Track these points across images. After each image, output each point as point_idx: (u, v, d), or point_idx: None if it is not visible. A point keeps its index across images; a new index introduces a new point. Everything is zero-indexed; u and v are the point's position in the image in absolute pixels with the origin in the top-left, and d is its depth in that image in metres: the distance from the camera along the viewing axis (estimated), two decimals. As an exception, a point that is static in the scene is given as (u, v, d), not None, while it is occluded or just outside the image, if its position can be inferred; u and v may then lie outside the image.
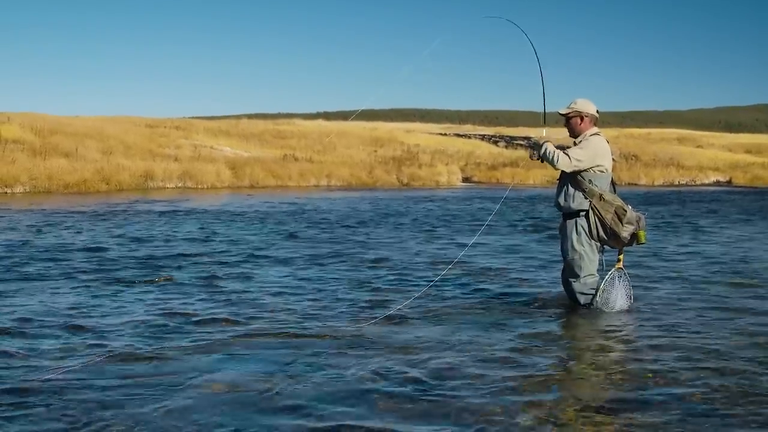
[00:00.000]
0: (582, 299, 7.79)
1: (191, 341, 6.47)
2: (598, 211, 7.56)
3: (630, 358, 6.13)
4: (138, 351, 6.12)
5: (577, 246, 7.68)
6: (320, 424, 4.64)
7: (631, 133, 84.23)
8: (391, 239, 14.56)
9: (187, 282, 9.38)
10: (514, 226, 17.64)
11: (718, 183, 51.41)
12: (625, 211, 7.54)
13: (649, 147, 64.29)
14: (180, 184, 32.52)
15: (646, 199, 29.97)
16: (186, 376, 5.48)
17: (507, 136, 68.27)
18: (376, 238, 14.65)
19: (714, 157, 60.84)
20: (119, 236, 14.21)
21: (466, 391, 5.26)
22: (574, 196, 7.67)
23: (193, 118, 67.04)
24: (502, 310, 7.95)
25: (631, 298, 7.91)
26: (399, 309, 7.65)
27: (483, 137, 68.45)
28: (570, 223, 7.73)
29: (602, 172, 7.66)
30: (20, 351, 6.06)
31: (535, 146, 7.89)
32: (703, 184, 49.80)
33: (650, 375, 5.61)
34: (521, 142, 57.76)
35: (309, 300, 8.34)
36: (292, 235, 14.95)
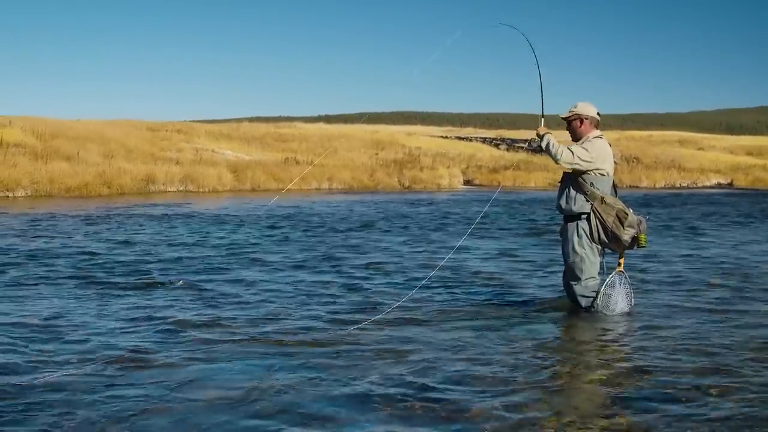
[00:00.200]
0: (583, 302, 7.79)
1: (177, 347, 6.40)
2: (600, 214, 7.56)
3: (627, 363, 6.12)
4: (123, 357, 6.06)
5: (578, 249, 7.68)
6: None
7: (633, 136, 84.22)
8: (384, 243, 14.47)
9: (174, 287, 9.28)
10: (510, 229, 17.62)
11: (719, 185, 51.41)
12: (627, 214, 7.54)
13: (651, 149, 64.28)
14: (181, 188, 32.53)
15: (645, 202, 29.97)
16: (173, 383, 5.42)
17: (508, 139, 68.30)
18: (369, 242, 14.56)
19: (715, 160, 60.85)
20: (109, 240, 14.10)
21: (456, 395, 5.25)
22: (575, 198, 7.67)
23: (194, 121, 67.02)
24: (497, 313, 7.91)
25: (631, 301, 7.91)
26: (387, 312, 7.61)
27: (484, 140, 68.51)
28: (571, 225, 7.73)
29: (603, 175, 7.66)
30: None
31: (536, 137, 7.87)
32: (704, 187, 49.81)
33: (647, 379, 5.61)
34: (522, 145, 57.67)
35: (296, 305, 8.25)
36: (285, 239, 14.85)
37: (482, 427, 4.65)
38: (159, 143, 41.79)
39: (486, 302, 8.55)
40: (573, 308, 7.92)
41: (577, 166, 7.61)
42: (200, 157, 39.10)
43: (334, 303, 8.40)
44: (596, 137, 7.77)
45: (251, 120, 78.28)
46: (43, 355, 6.13)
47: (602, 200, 7.58)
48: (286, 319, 7.54)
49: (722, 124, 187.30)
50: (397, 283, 9.68)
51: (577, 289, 7.78)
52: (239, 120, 72.09)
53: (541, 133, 7.81)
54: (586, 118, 7.82)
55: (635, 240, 7.64)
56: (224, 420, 4.76)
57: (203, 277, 10.06)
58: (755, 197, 36.10)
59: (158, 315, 7.65)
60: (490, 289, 9.37)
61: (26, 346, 6.36)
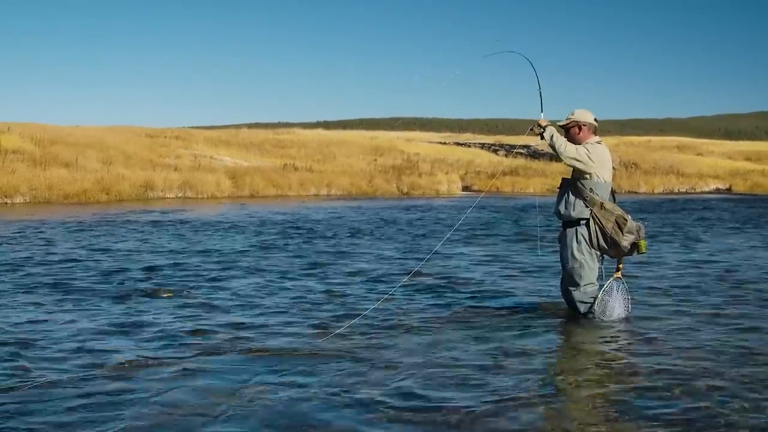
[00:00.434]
0: (582, 308, 7.78)
1: (153, 358, 6.30)
2: (599, 219, 7.56)
3: (623, 369, 6.12)
4: (97, 367, 5.98)
5: (577, 254, 7.67)
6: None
7: (631, 141, 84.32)
8: (373, 250, 14.35)
9: (155, 295, 9.21)
10: (501, 236, 17.54)
11: (718, 190, 51.44)
12: (626, 220, 7.54)
13: (649, 155, 64.33)
14: (180, 194, 32.54)
15: (643, 207, 29.96)
16: (149, 395, 5.34)
17: (507, 145, 68.31)
18: (358, 249, 14.44)
19: (714, 165, 60.91)
20: (94, 248, 13.96)
21: (446, 402, 5.23)
22: (574, 204, 7.67)
23: (193, 127, 67.17)
24: (488, 320, 7.87)
25: (628, 308, 7.90)
26: (355, 321, 7.50)
27: (483, 146, 68.50)
28: (570, 231, 7.73)
29: (602, 182, 7.66)
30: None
31: (539, 127, 7.83)
32: (703, 192, 49.83)
33: (644, 385, 5.61)
34: (521, 151, 57.77)
35: (275, 313, 8.19)
36: (273, 246, 14.71)
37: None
38: (158, 149, 41.77)
39: (476, 309, 8.51)
40: (570, 314, 7.92)
41: (578, 164, 7.59)
42: (199, 163, 39.09)
43: (315, 311, 8.29)
44: (597, 143, 7.77)
45: (250, 126, 78.47)
46: (13, 366, 6.02)
47: (601, 206, 7.58)
48: (267, 327, 7.44)
49: (721, 130, 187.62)
50: (378, 292, 9.48)
51: (576, 295, 7.78)
52: (238, 126, 72.27)
53: (543, 124, 7.79)
54: (584, 125, 7.82)
55: (634, 246, 7.63)
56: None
57: (186, 285, 9.94)
58: (753, 202, 36.10)
59: (136, 324, 7.55)
60: (480, 296, 9.32)
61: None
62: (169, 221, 20.57)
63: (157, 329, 7.33)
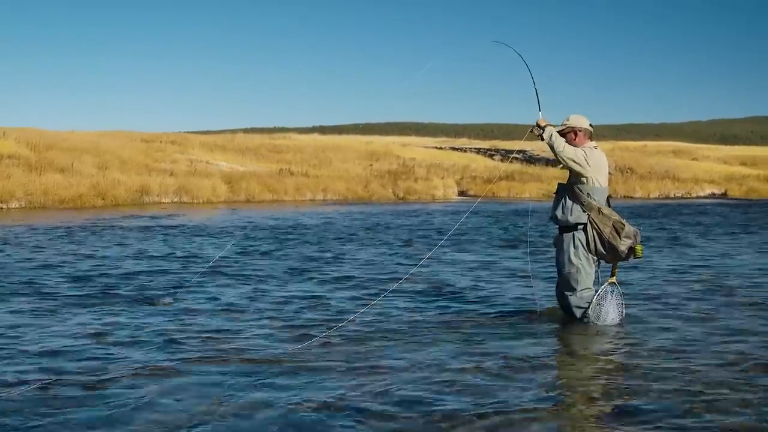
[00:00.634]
0: (578, 313, 7.77)
1: (128, 366, 6.14)
2: (597, 224, 7.56)
3: (618, 375, 6.11)
4: (75, 375, 5.85)
5: (574, 259, 7.67)
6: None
7: (627, 146, 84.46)
8: (361, 256, 14.15)
9: (135, 302, 9.01)
10: (491, 241, 17.45)
11: (713, 195, 51.53)
12: (623, 225, 7.55)
13: (645, 160, 64.49)
14: (176, 199, 32.53)
15: (638, 212, 29.97)
16: (123, 405, 5.20)
17: (503, 150, 68.42)
18: (346, 254, 14.28)
19: (709, 170, 61.07)
20: (74, 253, 13.78)
21: (435, 408, 5.20)
22: (572, 209, 7.66)
23: (188, 132, 67.00)
24: (471, 326, 7.78)
25: (623, 313, 7.89)
26: (338, 327, 7.40)
27: (479, 151, 68.65)
28: (567, 236, 7.73)
29: (599, 186, 7.67)
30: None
31: (538, 127, 7.82)
32: (698, 197, 49.91)
33: (640, 391, 5.60)
34: (517, 156, 57.85)
35: (255, 320, 8.03)
36: (259, 252, 14.53)
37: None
38: (153, 154, 41.79)
39: (466, 314, 8.44)
40: (564, 319, 7.91)
41: (576, 165, 7.58)
42: (195, 168, 39.11)
43: (295, 318, 8.15)
44: (594, 147, 7.78)
45: (246, 131, 78.30)
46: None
47: (599, 211, 7.58)
48: (246, 335, 7.29)
49: (716, 135, 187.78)
50: (364, 297, 9.38)
51: (572, 300, 7.77)
52: (234, 131, 72.08)
53: (542, 124, 7.79)
54: (580, 131, 7.82)
55: (631, 251, 7.63)
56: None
57: (166, 291, 9.75)
58: (748, 207, 36.15)
59: (109, 332, 7.37)
60: (470, 301, 9.25)
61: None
62: (158, 226, 20.49)
63: (133, 337, 7.17)
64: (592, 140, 7.90)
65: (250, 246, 15.66)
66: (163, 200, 32.09)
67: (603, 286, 7.76)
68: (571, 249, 7.67)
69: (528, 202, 37.87)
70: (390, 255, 14.36)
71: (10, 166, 30.60)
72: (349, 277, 11.19)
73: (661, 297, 9.59)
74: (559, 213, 7.77)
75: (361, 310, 8.13)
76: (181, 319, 8.01)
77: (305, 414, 5.07)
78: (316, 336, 7.09)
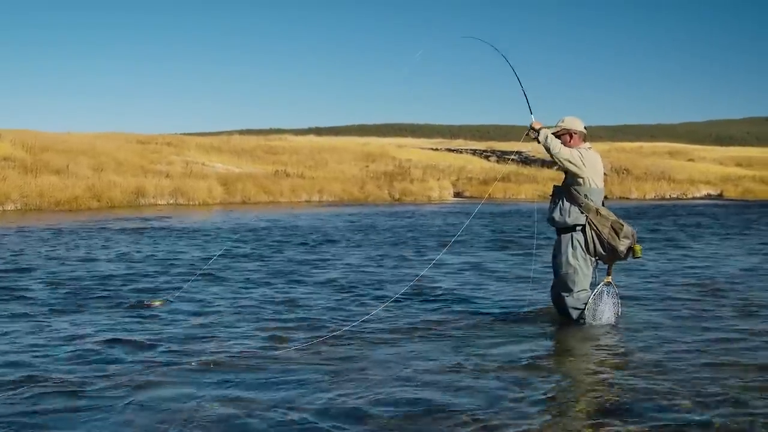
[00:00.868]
0: (574, 314, 7.78)
1: (105, 371, 6.03)
2: (596, 225, 7.57)
3: (614, 376, 6.12)
4: (46, 381, 5.74)
5: (572, 260, 7.68)
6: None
7: (623, 147, 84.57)
8: (349, 258, 13.90)
9: (114, 305, 8.86)
10: (483, 242, 17.32)
11: (709, 196, 51.59)
12: (622, 225, 7.57)
13: (641, 161, 64.57)
14: (172, 201, 32.50)
15: (632, 213, 29.99)
16: (93, 410, 5.12)
17: (498, 151, 68.43)
18: (334, 257, 14.04)
19: (705, 171, 61.15)
20: (52, 256, 13.54)
21: (425, 413, 5.18)
22: (569, 211, 7.67)
23: (184, 134, 67.04)
24: (462, 329, 7.72)
25: (618, 312, 7.92)
26: (351, 326, 7.38)
27: (474, 152, 68.64)
28: (565, 237, 7.73)
29: (596, 188, 7.68)
30: None
31: (532, 130, 7.83)
32: (694, 198, 49.97)
33: (633, 392, 5.61)
34: (513, 157, 57.86)
35: (234, 323, 7.88)
36: (245, 254, 14.32)
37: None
38: (149, 156, 41.75)
39: (458, 317, 8.37)
40: (558, 320, 7.92)
41: (572, 166, 7.59)
42: (190, 169, 39.08)
43: (275, 321, 8.00)
44: (588, 149, 7.79)
45: (241, 132, 78.19)
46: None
47: (597, 212, 7.59)
48: (223, 339, 7.17)
49: (712, 136, 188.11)
50: (344, 303, 9.22)
51: (569, 301, 7.77)
52: (230, 132, 71.96)
53: (537, 127, 7.80)
54: (575, 133, 7.83)
55: (630, 251, 7.65)
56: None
57: (148, 294, 9.59)
58: (744, 208, 36.20)
59: (82, 336, 7.23)
60: (460, 304, 9.18)
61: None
62: (148, 228, 20.36)
63: (106, 341, 7.01)
64: (586, 142, 7.92)
65: (238, 248, 15.47)
66: (159, 202, 32.06)
67: (599, 286, 7.77)
68: (569, 250, 7.68)
69: (524, 203, 37.93)
70: (377, 258, 14.08)
71: (5, 168, 30.54)
72: (331, 281, 10.94)
73: (655, 298, 9.59)
74: (557, 215, 7.77)
75: (369, 315, 8.01)
76: (158, 323, 7.86)
77: (289, 418, 5.02)
78: (297, 342, 6.98)
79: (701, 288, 10.47)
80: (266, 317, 8.23)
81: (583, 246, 7.64)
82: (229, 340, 7.12)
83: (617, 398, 5.43)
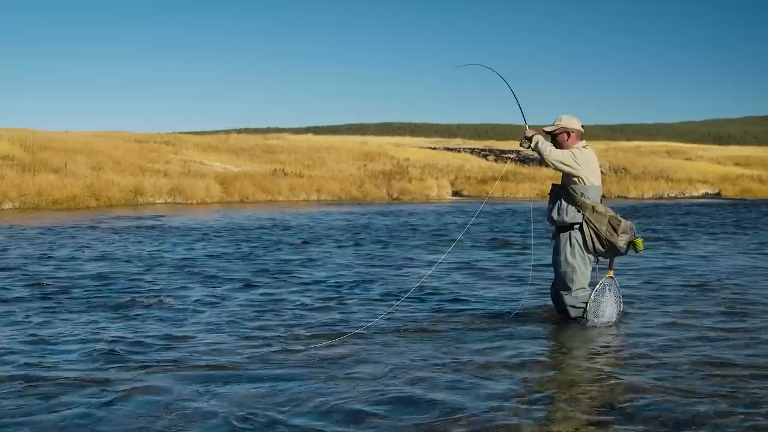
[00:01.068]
0: (573, 312, 7.79)
1: (101, 370, 5.99)
2: (593, 223, 7.58)
3: (611, 375, 6.12)
4: (19, 381, 5.65)
5: (570, 259, 7.69)
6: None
7: (621, 146, 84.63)
8: (339, 258, 13.76)
9: (93, 306, 8.72)
10: (477, 241, 17.21)
11: (707, 195, 51.61)
12: (619, 221, 7.58)
13: (639, 160, 64.61)
14: (170, 200, 32.49)
15: (630, 212, 30.00)
16: (72, 412, 5.04)
17: (497, 150, 68.46)
18: (323, 257, 13.85)
19: (703, 170, 61.17)
20: (34, 256, 13.44)
21: (420, 416, 5.17)
22: (567, 210, 7.68)
23: (182, 133, 66.85)
24: (458, 328, 7.67)
25: (621, 306, 7.97)
26: (354, 333, 7.29)
27: (472, 151, 68.65)
28: (564, 235, 7.75)
29: (592, 185, 7.69)
30: None
31: (525, 139, 7.84)
32: (692, 197, 49.98)
33: (634, 393, 5.61)
34: (510, 156, 57.86)
35: (215, 325, 7.76)
36: (232, 254, 14.16)
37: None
38: (147, 155, 41.73)
39: (452, 316, 8.33)
40: (557, 320, 7.93)
41: (564, 167, 7.60)
42: (188, 168, 39.08)
43: (260, 323, 7.89)
44: (583, 147, 7.80)
45: (239, 131, 78.23)
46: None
47: (593, 209, 7.61)
48: (218, 340, 7.07)
49: (710, 135, 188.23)
50: (328, 303, 9.11)
51: (567, 299, 7.79)
52: (227, 131, 71.98)
53: (529, 134, 7.82)
54: (573, 132, 7.85)
55: (630, 245, 7.66)
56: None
57: (131, 296, 9.39)
58: (742, 207, 36.22)
59: (56, 337, 7.12)
60: (454, 303, 9.14)
61: None
62: (145, 227, 20.29)
63: (82, 343, 6.90)
64: (582, 141, 7.93)
65: (226, 247, 15.37)
66: (157, 201, 32.05)
67: (601, 281, 7.79)
68: (568, 248, 7.69)
69: (522, 201, 37.91)
70: (367, 258, 13.92)
71: (3, 167, 30.48)
72: (318, 282, 10.79)
73: (651, 296, 9.60)
74: (554, 214, 7.79)
75: (376, 319, 7.87)
76: (138, 324, 7.75)
77: (287, 419, 4.98)
78: (291, 342, 6.94)
79: (698, 287, 10.46)
80: (259, 319, 8.10)
81: (581, 244, 7.65)
82: (222, 342, 7.02)
83: (617, 398, 5.43)
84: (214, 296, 9.49)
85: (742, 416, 5.03)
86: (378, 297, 9.56)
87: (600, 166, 7.98)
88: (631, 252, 7.81)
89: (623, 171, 57.39)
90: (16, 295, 9.44)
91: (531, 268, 9.80)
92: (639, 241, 7.67)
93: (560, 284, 7.86)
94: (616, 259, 8.02)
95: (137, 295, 9.48)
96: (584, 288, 7.76)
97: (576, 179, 7.65)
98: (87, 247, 15.13)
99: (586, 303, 7.72)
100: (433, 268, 10.54)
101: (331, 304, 9.07)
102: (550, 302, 8.38)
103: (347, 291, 10.03)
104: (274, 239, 17.45)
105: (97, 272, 11.47)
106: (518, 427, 4.83)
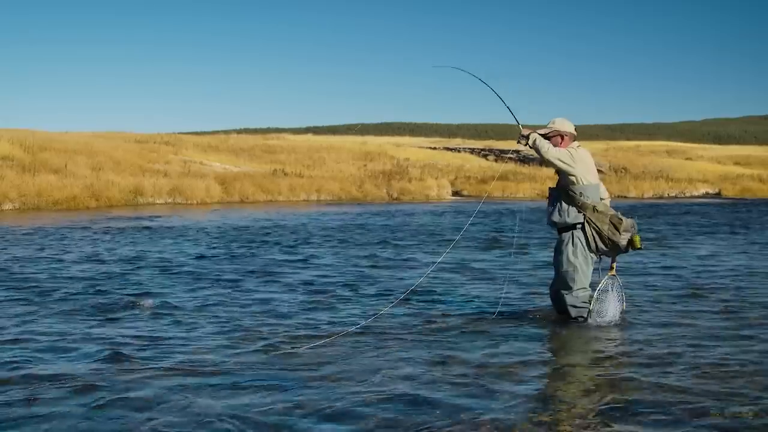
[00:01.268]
0: (573, 312, 7.79)
1: (95, 371, 5.94)
2: (594, 223, 7.59)
3: (611, 376, 6.12)
4: (11, 384, 5.58)
5: (572, 258, 7.69)
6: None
7: (621, 146, 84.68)
8: (333, 258, 13.70)
9: (80, 307, 8.63)
10: (474, 242, 17.14)
11: (707, 195, 51.61)
12: (621, 219, 7.60)
13: (639, 159, 64.64)
14: (170, 200, 32.49)
15: (630, 212, 29.99)
16: (65, 415, 4.98)
17: (496, 149, 68.44)
18: (317, 258, 13.78)
19: (703, 169, 61.20)
20: (20, 256, 13.32)
21: (417, 419, 5.18)
22: (568, 211, 7.69)
23: (182, 133, 66.87)
24: (449, 330, 7.61)
25: (624, 303, 7.99)
26: (348, 332, 7.25)
27: (472, 150, 68.66)
28: (566, 235, 7.75)
29: (589, 184, 7.70)
30: None
31: (521, 138, 7.85)
32: (692, 196, 49.98)
33: (634, 392, 5.61)
34: (511, 156, 57.88)
35: (202, 326, 7.70)
36: (229, 254, 14.11)
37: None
38: (147, 155, 41.73)
39: (453, 316, 8.32)
40: (558, 319, 7.92)
41: (562, 164, 7.62)
42: (188, 169, 39.09)
43: (249, 324, 7.77)
44: (578, 147, 7.83)
45: (239, 132, 78.27)
46: None
47: (594, 209, 7.62)
48: (212, 341, 7.03)
49: (710, 134, 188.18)
50: (316, 303, 9.06)
51: (568, 299, 7.78)
52: (227, 132, 72.02)
53: (525, 132, 7.83)
54: (566, 135, 7.88)
55: (629, 243, 7.68)
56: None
57: (119, 297, 9.35)
58: (742, 207, 36.22)
59: (36, 336, 7.10)
60: (449, 304, 9.10)
61: None
62: (141, 227, 20.26)
63: (69, 344, 6.84)
64: (575, 142, 7.95)
65: (220, 248, 15.32)
66: (157, 201, 32.04)
67: (604, 279, 7.79)
68: (570, 248, 7.70)
69: (522, 201, 37.93)
70: (362, 258, 13.82)
71: (3, 167, 30.49)
72: (309, 282, 10.71)
73: (650, 296, 9.60)
74: (555, 217, 7.79)
75: (371, 317, 7.87)
76: (123, 326, 7.69)
77: (284, 419, 4.97)
78: (286, 343, 6.89)
79: (698, 287, 10.45)
80: (251, 320, 8.03)
81: (584, 244, 7.66)
82: (211, 343, 6.95)
83: (616, 397, 5.43)
84: (204, 297, 9.42)
85: (743, 416, 5.03)
86: (373, 297, 9.54)
87: (600, 166, 8.02)
88: (630, 251, 7.82)
89: (623, 171, 57.38)
90: (20, 294, 9.42)
91: (507, 270, 9.80)
92: (637, 238, 7.68)
93: (561, 284, 7.85)
94: (618, 258, 8.03)
95: (125, 296, 9.40)
96: (585, 288, 7.76)
97: (573, 178, 7.65)
98: (78, 248, 15.06)
99: (587, 303, 7.73)
100: (429, 271, 10.39)
101: (325, 303, 9.05)
102: (547, 303, 8.38)
103: (341, 291, 9.99)
104: (272, 240, 17.39)
105: (86, 274, 11.36)
106: (518, 427, 4.83)
